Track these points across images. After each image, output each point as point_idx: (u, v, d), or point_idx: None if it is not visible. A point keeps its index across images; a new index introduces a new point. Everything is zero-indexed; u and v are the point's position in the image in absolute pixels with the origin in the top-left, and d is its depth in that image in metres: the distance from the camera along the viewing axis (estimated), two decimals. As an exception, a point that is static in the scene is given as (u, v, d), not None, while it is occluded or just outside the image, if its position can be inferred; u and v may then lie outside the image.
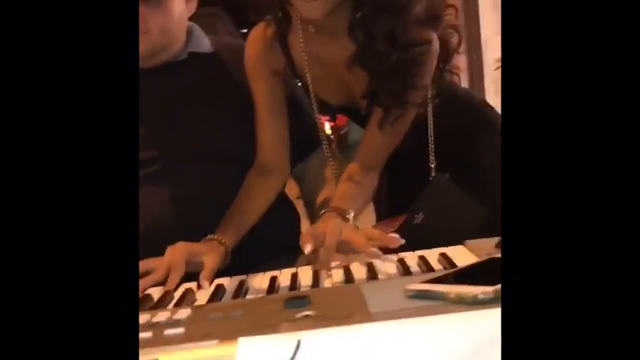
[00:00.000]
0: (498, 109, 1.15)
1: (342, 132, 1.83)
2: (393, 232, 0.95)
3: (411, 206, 0.94)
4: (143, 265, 0.79)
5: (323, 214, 0.84)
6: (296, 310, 0.49)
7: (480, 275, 0.50)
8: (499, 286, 0.43)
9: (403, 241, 0.73)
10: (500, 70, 4.27)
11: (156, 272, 0.78)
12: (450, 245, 0.78)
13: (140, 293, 0.75)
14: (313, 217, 1.13)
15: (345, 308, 0.48)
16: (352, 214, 0.83)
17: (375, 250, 0.72)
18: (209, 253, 0.83)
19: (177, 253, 0.80)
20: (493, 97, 4.46)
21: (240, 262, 0.92)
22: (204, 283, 0.77)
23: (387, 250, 0.80)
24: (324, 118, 1.13)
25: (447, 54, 0.94)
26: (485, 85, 4.52)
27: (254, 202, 0.96)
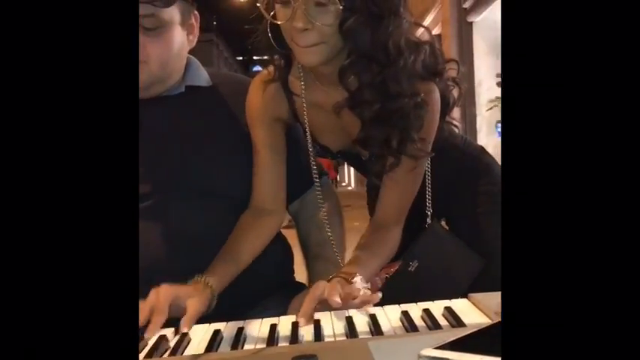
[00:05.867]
0: (489, 150, 1.15)
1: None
2: (386, 277, 0.94)
3: (406, 253, 0.94)
4: None
5: (330, 279, 0.82)
6: (304, 371, 0.47)
7: (496, 342, 0.49)
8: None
9: (378, 298, 0.73)
10: (492, 110, 4.34)
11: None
12: (446, 294, 0.77)
13: None
14: (308, 256, 1.11)
15: (357, 372, 0.46)
16: (359, 278, 0.81)
17: (352, 302, 0.72)
18: (194, 296, 0.80)
19: (161, 296, 0.76)
20: (485, 137, 4.54)
21: (233, 300, 0.90)
22: (184, 328, 0.73)
23: (389, 299, 0.79)
24: (324, 160, 1.13)
25: (446, 106, 0.94)
26: (478, 126, 4.60)
27: (247, 245, 0.94)
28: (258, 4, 0.82)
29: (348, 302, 0.73)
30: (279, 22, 0.80)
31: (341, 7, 0.75)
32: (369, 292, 0.77)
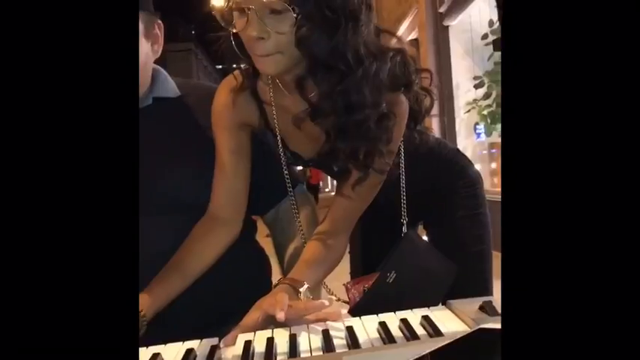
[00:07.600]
0: (468, 151, 1.14)
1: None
2: (364, 290, 0.92)
3: (383, 264, 0.92)
4: None
5: (276, 285, 0.83)
6: (275, 392, 0.45)
7: (472, 353, 0.48)
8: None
9: (340, 316, 0.72)
10: (470, 112, 4.37)
11: None
12: (425, 303, 0.75)
13: None
14: (283, 267, 1.09)
15: (329, 391, 0.44)
16: (305, 287, 0.81)
17: (310, 317, 0.72)
18: None
19: None
20: (464, 139, 4.57)
21: (206, 318, 0.88)
22: None
23: (369, 312, 0.77)
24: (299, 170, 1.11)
25: (418, 115, 0.92)
26: (457, 128, 4.63)
27: (195, 257, 0.92)
28: (212, 12, 0.79)
29: (299, 316, 0.73)
30: (235, 30, 0.77)
31: (295, 15, 0.72)
32: (333, 306, 0.76)
